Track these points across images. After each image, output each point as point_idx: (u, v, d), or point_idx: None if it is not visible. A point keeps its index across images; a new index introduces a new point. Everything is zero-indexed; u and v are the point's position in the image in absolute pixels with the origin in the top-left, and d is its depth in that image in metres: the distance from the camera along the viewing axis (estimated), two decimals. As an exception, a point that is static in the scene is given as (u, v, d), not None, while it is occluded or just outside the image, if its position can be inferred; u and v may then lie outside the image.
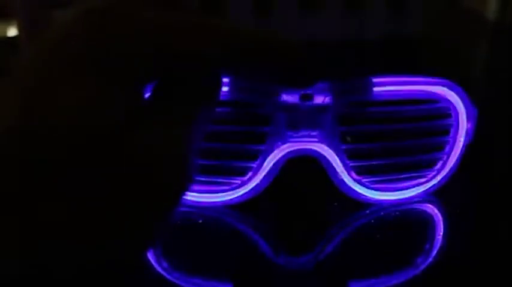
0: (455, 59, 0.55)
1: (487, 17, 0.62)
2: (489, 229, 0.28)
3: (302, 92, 0.26)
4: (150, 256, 0.26)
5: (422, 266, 0.26)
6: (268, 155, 0.27)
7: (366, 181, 0.28)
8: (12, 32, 0.53)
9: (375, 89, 0.26)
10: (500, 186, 0.32)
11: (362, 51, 0.53)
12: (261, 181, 0.27)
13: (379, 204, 0.29)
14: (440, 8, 0.64)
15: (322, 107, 0.26)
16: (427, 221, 0.29)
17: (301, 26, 0.52)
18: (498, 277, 0.25)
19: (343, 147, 0.27)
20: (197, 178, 0.28)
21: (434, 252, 0.27)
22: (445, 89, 0.27)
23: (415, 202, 0.30)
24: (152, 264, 0.26)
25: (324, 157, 0.27)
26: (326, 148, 0.27)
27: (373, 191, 0.29)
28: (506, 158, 0.35)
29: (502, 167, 0.34)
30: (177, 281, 0.25)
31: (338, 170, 0.28)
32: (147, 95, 0.18)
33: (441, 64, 0.53)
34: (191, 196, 0.28)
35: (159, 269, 0.26)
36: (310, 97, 0.26)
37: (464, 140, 0.28)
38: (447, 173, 0.29)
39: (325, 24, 0.52)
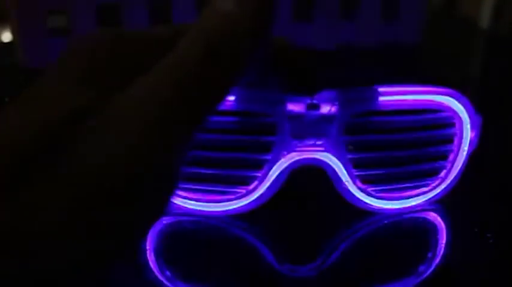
0: (450, 66, 0.55)
1: (481, 26, 0.62)
2: (492, 238, 0.28)
3: (308, 102, 0.26)
4: (153, 264, 0.26)
5: (425, 275, 0.26)
6: (274, 164, 0.27)
7: (371, 190, 0.28)
8: (6, 37, 0.52)
9: (380, 98, 0.27)
10: (504, 194, 0.32)
11: (357, 60, 0.53)
12: (266, 190, 0.27)
13: (383, 212, 0.29)
14: (435, 16, 0.65)
15: (328, 117, 0.26)
16: (430, 230, 0.29)
17: (297, 33, 0.52)
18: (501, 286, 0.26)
19: (349, 156, 0.27)
20: (202, 187, 0.28)
21: (437, 260, 0.27)
22: (449, 98, 0.27)
23: (419, 211, 0.30)
24: (155, 273, 0.26)
25: (330, 166, 0.27)
26: (332, 157, 0.27)
27: (377, 200, 0.29)
28: (507, 166, 0.35)
29: (504, 174, 0.35)
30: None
31: (343, 179, 0.28)
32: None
33: (436, 72, 0.53)
34: (195, 205, 0.28)
35: (161, 278, 0.25)
36: (316, 106, 0.26)
37: (468, 149, 0.28)
38: (451, 182, 0.29)
39: (321, 32, 0.52)
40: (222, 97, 0.17)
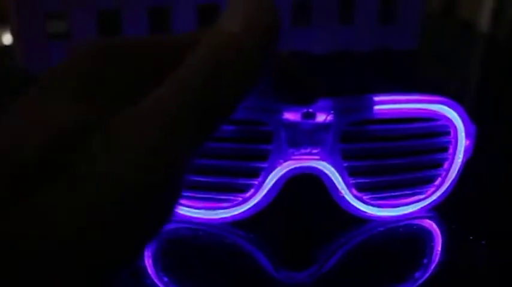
0: (448, 70, 0.55)
1: (480, 29, 0.62)
2: (487, 245, 0.29)
3: (304, 111, 0.26)
4: (151, 270, 0.26)
5: (421, 281, 0.26)
6: (270, 172, 0.27)
7: (367, 198, 0.28)
8: (7, 39, 0.52)
9: (376, 107, 0.27)
10: (499, 202, 0.33)
11: (354, 64, 0.53)
12: (263, 198, 0.28)
13: (379, 220, 0.29)
14: (433, 19, 0.65)
15: (323, 125, 0.27)
16: (425, 236, 0.30)
17: (294, 38, 0.52)
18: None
19: (345, 164, 0.28)
20: (199, 195, 0.28)
21: (433, 267, 0.27)
22: (444, 107, 0.27)
23: (415, 218, 0.30)
24: (152, 279, 0.26)
25: (325, 174, 0.27)
26: (327, 165, 0.27)
27: (373, 208, 0.29)
28: (503, 172, 0.36)
29: (499, 181, 0.35)
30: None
31: (339, 187, 0.28)
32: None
33: (434, 75, 0.54)
34: (192, 212, 0.28)
35: (159, 284, 0.26)
36: (312, 115, 0.26)
37: (463, 157, 0.29)
38: (446, 190, 0.29)
39: (319, 36, 0.52)
40: (230, 112, 0.18)
